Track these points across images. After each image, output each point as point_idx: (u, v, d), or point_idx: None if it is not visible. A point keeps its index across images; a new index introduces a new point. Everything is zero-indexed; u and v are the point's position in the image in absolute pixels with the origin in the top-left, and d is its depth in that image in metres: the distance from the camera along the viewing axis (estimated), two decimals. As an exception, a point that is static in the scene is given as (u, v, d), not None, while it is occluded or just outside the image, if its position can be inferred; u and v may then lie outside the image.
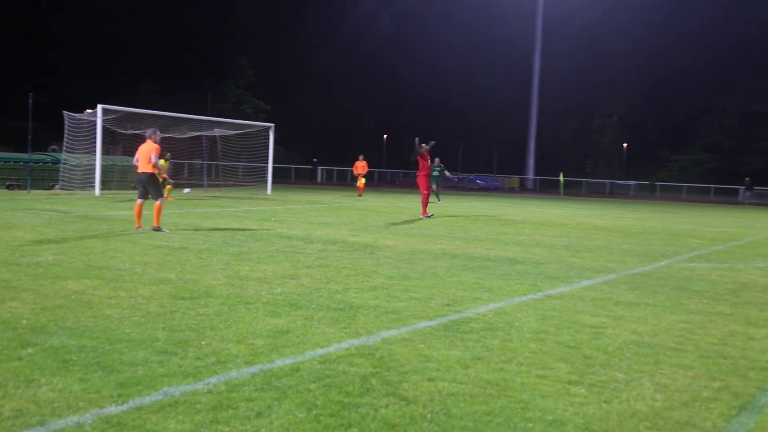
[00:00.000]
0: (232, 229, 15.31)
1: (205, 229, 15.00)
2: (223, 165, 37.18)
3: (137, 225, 14.38)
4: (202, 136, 33.59)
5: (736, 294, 9.77)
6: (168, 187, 29.16)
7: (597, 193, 64.12)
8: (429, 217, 21.59)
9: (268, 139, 34.75)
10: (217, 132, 34.31)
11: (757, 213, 38.25)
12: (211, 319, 6.77)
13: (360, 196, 35.23)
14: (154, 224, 14.35)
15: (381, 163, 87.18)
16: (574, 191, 63.43)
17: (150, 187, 14.45)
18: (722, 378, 5.71)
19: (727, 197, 59.77)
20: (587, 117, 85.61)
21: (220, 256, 11.09)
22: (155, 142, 14.48)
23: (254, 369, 5.32)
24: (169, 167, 29.07)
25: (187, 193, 29.22)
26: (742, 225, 26.09)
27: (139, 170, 14.34)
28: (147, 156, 14.27)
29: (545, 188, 67.80)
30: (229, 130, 34.91)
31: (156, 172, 14.38)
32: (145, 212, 14.61)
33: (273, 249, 12.28)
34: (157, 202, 14.44)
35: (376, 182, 68.62)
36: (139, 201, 14.52)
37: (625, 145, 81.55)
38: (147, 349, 5.69)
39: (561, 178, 58.63)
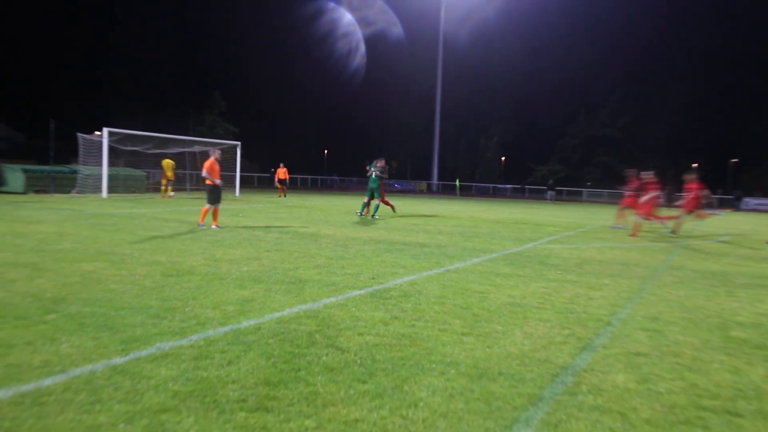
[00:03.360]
0: (207, 223, 15.02)
1: (188, 222, 14.66)
2: (200, 174, 36.31)
3: (213, 224, 13.79)
4: (185, 152, 32.79)
5: (580, 267, 10.10)
6: (169, 189, 28.43)
7: (484, 194, 65.22)
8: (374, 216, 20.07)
9: (236, 153, 34.17)
10: (196, 148, 33.57)
11: (592, 208, 39.57)
12: (192, 291, 6.66)
13: (282, 197, 33.48)
14: (200, 221, 13.91)
15: (322, 171, 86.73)
16: (466, 193, 64.34)
17: (207, 194, 13.74)
18: (570, 327, 5.92)
19: (574, 197, 61.62)
20: (476, 137, 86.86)
21: (199, 243, 10.88)
22: (215, 159, 13.74)
23: (226, 328, 5.26)
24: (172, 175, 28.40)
25: (173, 197, 28.48)
26: (584, 217, 26.96)
27: (206, 181, 13.68)
28: (204, 170, 13.62)
29: (445, 191, 68.55)
30: (206, 147, 34.17)
31: (210, 183, 13.57)
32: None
33: (240, 237, 12.11)
34: (205, 206, 13.80)
35: (319, 186, 68.18)
36: (206, 205, 13.83)
37: (503, 158, 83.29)
38: (143, 314, 5.57)
39: (457, 183, 59.47)
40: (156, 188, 31.56)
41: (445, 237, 14.23)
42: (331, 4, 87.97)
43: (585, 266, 10.19)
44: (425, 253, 10.99)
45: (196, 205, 22.39)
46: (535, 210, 32.12)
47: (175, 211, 19.34)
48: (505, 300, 7.01)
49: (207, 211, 13.92)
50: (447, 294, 7.18)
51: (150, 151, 31.02)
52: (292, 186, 65.79)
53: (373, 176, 18.67)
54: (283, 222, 16.48)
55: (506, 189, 66.82)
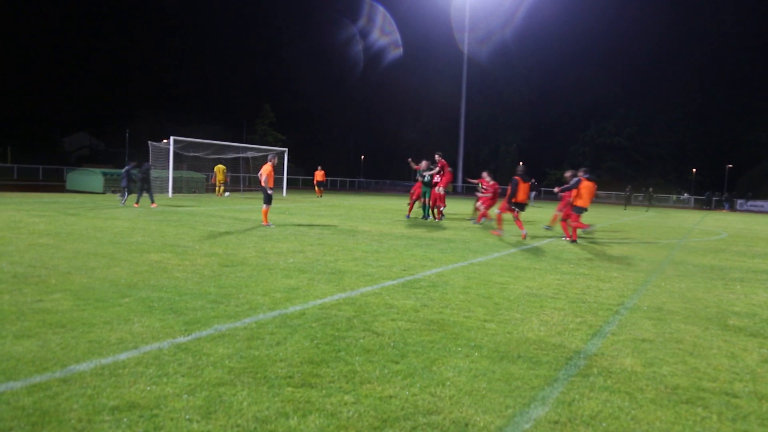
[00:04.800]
0: (257, 220, 15.18)
1: (241, 219, 14.84)
2: (253, 176, 36.74)
3: (264, 223, 13.59)
4: (239, 157, 33.23)
5: (591, 261, 9.92)
6: (222, 189, 28.87)
7: (504, 195, 64.14)
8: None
9: (284, 159, 34.49)
10: (249, 154, 33.98)
11: (601, 208, 38.73)
12: (245, 280, 6.72)
13: (320, 197, 33.25)
14: (263, 222, 13.62)
15: (360, 174, 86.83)
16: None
17: (264, 195, 13.57)
18: (582, 316, 5.81)
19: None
20: (496, 144, 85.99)
21: (251, 238, 11.00)
22: (272, 165, 13.56)
23: (275, 313, 5.30)
24: (226, 177, 28.80)
25: (227, 196, 28.93)
26: (594, 216, 26.45)
27: (261, 183, 13.54)
28: (262, 174, 13.50)
29: (469, 192, 68.02)
30: (257, 153, 34.58)
31: (265, 186, 13.33)
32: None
33: (287, 233, 12.21)
34: (264, 207, 13.61)
35: (356, 187, 68.31)
36: (264, 206, 13.65)
37: (521, 163, 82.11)
38: (203, 299, 5.64)
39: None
40: (213, 189, 32.05)
41: (469, 234, 14.11)
42: (364, 26, 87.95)
43: (595, 261, 10.01)
44: (451, 247, 10.94)
45: (248, 204, 22.65)
46: (552, 209, 31.61)
47: (230, 209, 19.61)
48: (523, 290, 6.92)
49: (267, 212, 13.75)
50: (471, 285, 7.12)
51: (209, 156, 31.51)
52: (332, 187, 66.20)
53: (426, 179, 17.35)
54: (324, 219, 16.57)
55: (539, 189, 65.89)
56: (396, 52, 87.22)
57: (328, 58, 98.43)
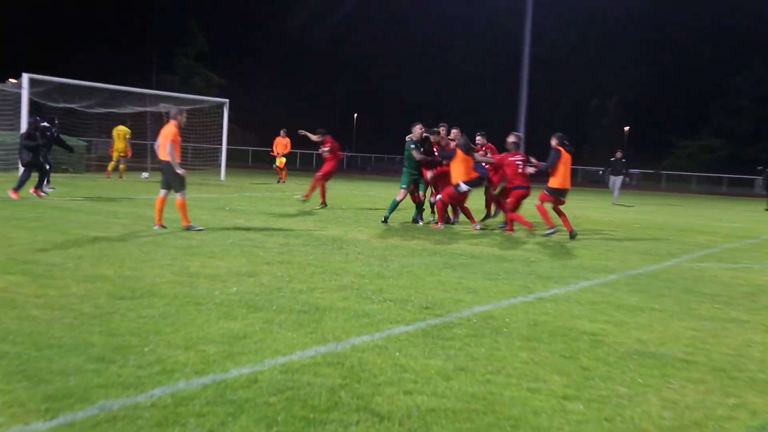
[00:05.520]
0: (179, 219, 15.18)
1: (148, 219, 14.85)
2: (156, 148, 36.79)
3: (157, 222, 13.64)
4: (145, 112, 33.32)
5: (752, 298, 9.85)
6: (122, 167, 28.95)
7: (594, 182, 64.43)
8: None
9: (222, 117, 34.55)
10: (162, 108, 34.00)
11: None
12: (155, 322, 6.70)
13: (282, 182, 33.77)
14: (183, 223, 13.67)
15: (350, 147, 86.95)
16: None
17: (169, 177, 13.60)
18: (738, 394, 5.74)
19: (742, 189, 60.42)
20: (584, 97, 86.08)
21: (165, 250, 10.97)
22: (177, 126, 13.62)
23: (206, 379, 5.26)
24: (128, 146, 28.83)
25: (145, 179, 29.05)
26: (759, 220, 26.41)
27: (159, 156, 13.59)
28: (163, 141, 13.52)
29: (536, 177, 67.85)
30: (177, 106, 34.64)
31: (172, 161, 13.38)
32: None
33: (227, 242, 12.18)
34: (179, 197, 13.62)
35: (344, 168, 68.44)
36: (160, 194, 13.75)
37: (626, 128, 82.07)
38: (81, 356, 5.61)
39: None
40: (102, 166, 32.08)
41: (535, 246, 14.07)
42: None
43: (760, 298, 9.94)
44: (505, 270, 10.88)
45: (157, 193, 22.67)
46: (679, 208, 31.61)
47: (132, 201, 19.64)
48: (630, 346, 6.87)
49: (185, 204, 13.77)
50: (540, 334, 7.08)
51: (93, 111, 31.54)
52: (303, 167, 66.36)
53: (409, 151, 17.17)
54: (290, 220, 16.54)
55: (631, 175, 65.91)
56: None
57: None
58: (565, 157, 15.83)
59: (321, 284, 8.94)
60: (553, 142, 16.00)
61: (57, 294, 7.64)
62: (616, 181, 32.39)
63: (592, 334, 7.25)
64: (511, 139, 16.47)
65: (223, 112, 34.55)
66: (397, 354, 6.14)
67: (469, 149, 16.22)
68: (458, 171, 16.06)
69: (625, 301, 9.02)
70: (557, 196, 16.02)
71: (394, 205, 17.28)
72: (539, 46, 73.80)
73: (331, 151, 20.68)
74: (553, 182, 15.84)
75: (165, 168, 13.59)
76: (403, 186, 17.19)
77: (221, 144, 34.88)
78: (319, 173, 20.90)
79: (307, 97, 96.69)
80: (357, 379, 5.45)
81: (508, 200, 16.37)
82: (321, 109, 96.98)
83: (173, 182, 13.64)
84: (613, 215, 24.50)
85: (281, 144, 34.25)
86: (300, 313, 7.37)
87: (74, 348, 5.81)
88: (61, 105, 29.35)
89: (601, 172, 33.31)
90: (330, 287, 8.79)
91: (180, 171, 13.47)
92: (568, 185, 16.08)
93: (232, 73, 79.37)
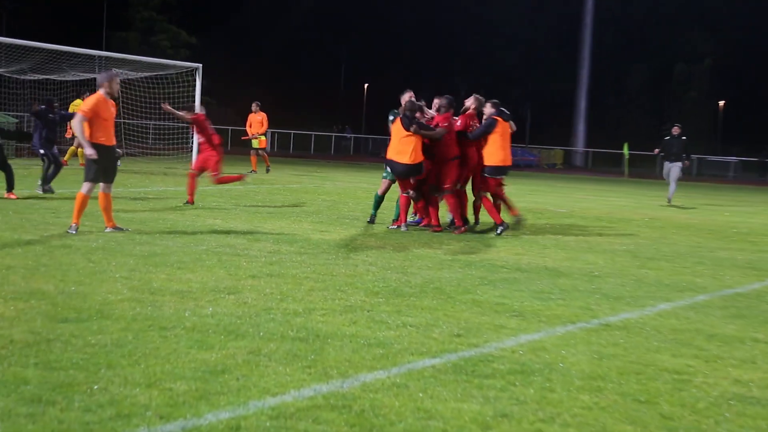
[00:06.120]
0: (139, 220, 15.24)
1: (99, 218, 14.91)
2: (125, 123, 36.93)
3: (74, 221, 13.46)
4: (93, 79, 33.42)
5: None
6: (80, 152, 28.93)
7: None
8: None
9: (194, 86, 34.58)
10: (118, 73, 34.16)
11: None
12: (107, 352, 6.72)
13: (253, 171, 33.60)
14: (107, 225, 13.67)
15: (360, 127, 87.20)
16: (644, 171, 63.20)
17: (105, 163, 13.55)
18: None
19: None
20: (665, 62, 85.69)
21: (121, 259, 11.01)
22: (106, 95, 13.53)
23: (173, 426, 5.29)
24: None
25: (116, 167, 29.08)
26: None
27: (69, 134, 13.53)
28: (75, 119, 13.57)
29: (601, 166, 67.88)
30: (135, 72, 34.68)
31: (82, 139, 13.17)
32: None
33: (200, 249, 12.21)
34: (81, 190, 13.54)
35: (351, 153, 68.62)
36: (83, 186, 13.53)
37: (721, 103, 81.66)
38: (10, 396, 5.63)
39: (625, 151, 58.47)
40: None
41: (600, 258, 14.04)
42: None
43: None
44: (561, 287, 10.89)
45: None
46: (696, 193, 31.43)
47: (71, 193, 19.68)
48: (727, 389, 6.84)
49: (84, 200, 13.52)
50: (606, 372, 7.07)
51: (25, 77, 31.60)
52: (296, 151, 66.43)
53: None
54: (282, 220, 16.58)
55: (727, 164, 65.64)
56: None
57: None
58: (502, 127, 16.17)
59: (322, 304, 8.97)
60: (488, 110, 16.32)
61: (-20, 315, 7.68)
62: (672, 168, 28.90)
63: (675, 372, 7.22)
64: (469, 102, 16.88)
65: (194, 80, 34.55)
66: (421, 395, 6.14)
67: (409, 121, 15.84)
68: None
69: (719, 330, 8.97)
70: (499, 176, 16.38)
71: (377, 201, 17.34)
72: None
73: (206, 138, 19.55)
74: (491, 158, 16.08)
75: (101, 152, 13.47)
76: (385, 175, 17.12)
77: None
78: (194, 166, 20.53)
79: (302, 62, 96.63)
80: (368, 428, 5.46)
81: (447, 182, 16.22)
82: (320, 77, 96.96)
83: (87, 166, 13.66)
84: (703, 217, 24.40)
85: (256, 121, 34.17)
86: (295, 341, 7.39)
87: (1, 386, 5.83)
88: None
89: (657, 151, 28.88)
90: (333, 308, 8.81)
91: (89, 152, 13.33)
92: (509, 161, 16.48)
93: (205, 30, 79.41)
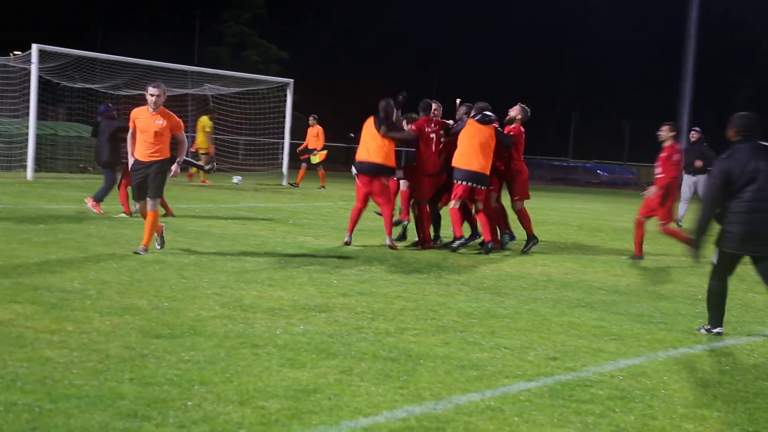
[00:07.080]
0: (231, 236, 15.38)
1: (191, 234, 15.08)
2: (216, 138, 37.22)
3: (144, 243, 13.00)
4: (186, 95, 33.84)
5: None
6: (211, 164, 29.26)
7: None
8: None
9: (285, 102, 34.72)
10: (208, 89, 34.48)
11: None
12: (200, 369, 6.80)
13: (296, 185, 33.47)
14: (144, 241, 12.95)
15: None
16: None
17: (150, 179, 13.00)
18: None
19: None
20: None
21: (213, 275, 11.15)
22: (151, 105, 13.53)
23: (266, 446, 5.32)
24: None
25: (237, 183, 29.65)
26: None
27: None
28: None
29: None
30: (227, 87, 34.97)
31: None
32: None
33: (291, 267, 12.29)
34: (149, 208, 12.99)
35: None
36: (136, 205, 13.36)
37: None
38: (107, 411, 5.70)
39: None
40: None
41: (703, 281, 13.75)
42: None
43: None
44: (662, 311, 10.77)
45: (201, 201, 22.95)
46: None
47: (175, 210, 19.95)
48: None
49: (158, 220, 13.18)
50: (711, 400, 6.97)
51: (120, 92, 31.98)
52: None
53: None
54: (374, 237, 16.56)
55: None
56: None
57: None
58: (473, 128, 15.44)
59: (414, 324, 8.98)
60: (460, 112, 16.42)
61: (76, 330, 7.80)
62: (696, 182, 24.39)
63: (784, 401, 7.09)
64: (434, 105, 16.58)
65: (286, 95, 34.69)
66: (516, 419, 6.11)
67: (380, 122, 15.75)
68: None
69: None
70: (467, 182, 15.32)
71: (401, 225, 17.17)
72: (711, 4, 72.61)
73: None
74: (457, 161, 15.37)
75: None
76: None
77: (283, 138, 35.05)
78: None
79: (394, 75, 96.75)
80: (463, 451, 5.45)
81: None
82: (414, 90, 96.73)
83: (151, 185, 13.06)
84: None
85: (312, 135, 33.52)
86: (387, 360, 7.41)
87: (98, 400, 5.91)
88: (79, 85, 29.91)
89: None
90: (426, 328, 8.82)
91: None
92: (475, 166, 15.24)
93: (297, 45, 79.96)
